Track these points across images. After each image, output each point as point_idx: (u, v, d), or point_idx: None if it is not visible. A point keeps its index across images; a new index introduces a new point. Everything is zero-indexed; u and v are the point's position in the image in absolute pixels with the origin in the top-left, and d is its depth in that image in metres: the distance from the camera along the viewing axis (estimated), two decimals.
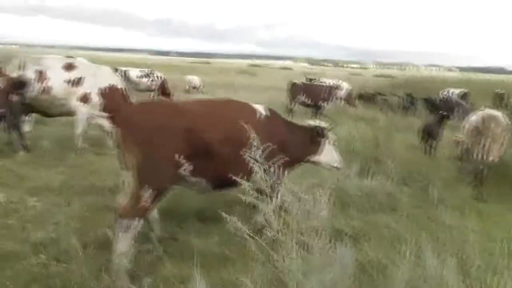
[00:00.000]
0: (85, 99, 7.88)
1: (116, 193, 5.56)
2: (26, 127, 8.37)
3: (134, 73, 16.83)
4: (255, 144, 3.39)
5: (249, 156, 3.37)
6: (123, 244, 3.58)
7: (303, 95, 15.12)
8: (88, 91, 7.88)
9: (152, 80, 16.96)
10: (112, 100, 8.02)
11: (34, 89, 7.55)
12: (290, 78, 25.63)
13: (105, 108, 8.00)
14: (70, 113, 8.04)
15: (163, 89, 17.00)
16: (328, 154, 5.00)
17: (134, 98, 8.95)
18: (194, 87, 22.57)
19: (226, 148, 4.02)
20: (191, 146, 3.84)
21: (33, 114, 8.57)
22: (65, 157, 7.28)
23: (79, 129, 7.96)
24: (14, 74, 7.31)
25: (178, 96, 18.00)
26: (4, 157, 6.70)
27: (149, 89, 16.89)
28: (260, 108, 4.59)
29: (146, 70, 17.57)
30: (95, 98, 7.94)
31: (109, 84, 8.10)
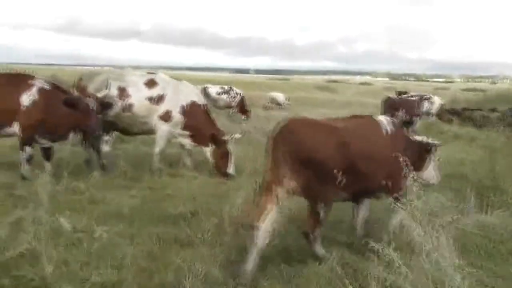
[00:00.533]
0: (166, 117, 7.53)
1: (188, 221, 5.03)
2: (106, 147, 8.18)
3: (213, 90, 16.66)
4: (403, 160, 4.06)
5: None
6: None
7: (401, 110, 13.72)
8: (169, 109, 7.54)
9: (231, 97, 16.64)
10: (194, 118, 7.63)
11: (116, 107, 7.34)
12: (370, 93, 24.02)
13: (186, 126, 7.62)
14: (151, 131, 7.74)
15: (242, 106, 16.65)
16: (430, 171, 4.89)
17: (213, 115, 8.49)
18: (278, 104, 22.09)
19: (367, 161, 4.14)
20: (345, 160, 3.99)
21: (114, 133, 8.38)
22: (139, 178, 6.89)
23: (157, 148, 7.60)
24: (100, 94, 7.08)
25: (258, 113, 17.51)
26: (79, 178, 6.41)
27: (228, 106, 16.62)
28: (385, 122, 4.57)
29: (225, 87, 17.33)
30: (177, 116, 7.58)
31: (191, 101, 7.70)
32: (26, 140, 6.52)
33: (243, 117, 16.29)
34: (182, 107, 7.59)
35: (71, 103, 6.39)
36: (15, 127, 6.46)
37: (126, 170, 7.06)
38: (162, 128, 7.56)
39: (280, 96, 22.66)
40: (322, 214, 4.01)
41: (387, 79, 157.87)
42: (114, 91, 7.34)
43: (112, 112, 7.28)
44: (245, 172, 7.42)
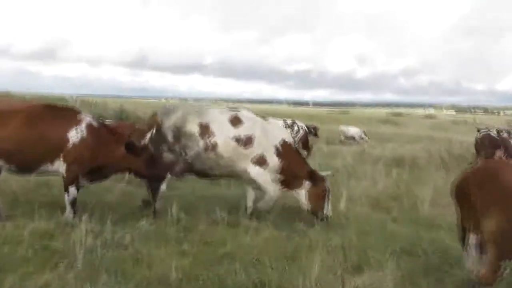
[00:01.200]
0: (261, 161, 6.54)
1: None
2: (163, 186, 7.31)
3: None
4: None
5: None
6: None
7: (501, 149, 11.55)
8: (262, 152, 6.53)
9: (295, 132, 15.28)
10: (289, 159, 6.62)
11: (198, 145, 6.40)
12: (438, 127, 21.91)
13: (282, 170, 6.60)
14: (235, 175, 6.76)
15: (305, 142, 15.15)
16: None
17: None
18: (350, 138, 20.13)
19: None
20: None
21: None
22: (194, 228, 5.90)
23: (269, 194, 6.63)
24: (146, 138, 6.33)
25: (321, 148, 16.26)
26: (129, 224, 5.58)
27: None
28: None
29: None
30: (273, 159, 6.57)
31: (282, 140, 6.72)
32: (71, 180, 5.82)
33: (305, 153, 14.98)
34: (276, 148, 6.61)
35: (132, 148, 5.82)
36: (57, 165, 5.80)
37: (180, 217, 6.10)
38: (260, 172, 6.54)
39: (352, 130, 20.84)
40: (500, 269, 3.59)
41: (452, 111, 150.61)
42: (195, 128, 6.41)
43: (191, 152, 6.39)
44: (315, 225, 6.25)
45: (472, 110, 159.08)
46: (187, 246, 5.20)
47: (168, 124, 6.32)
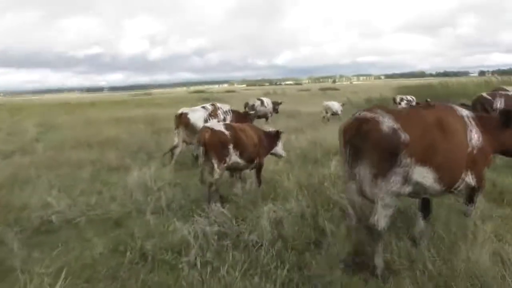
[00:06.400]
0: None
1: None
2: None
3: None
4: None
5: None
6: None
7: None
8: None
9: (223, 118, 10.99)
10: None
11: None
12: (248, 100, 20.20)
13: None
14: None
15: None
16: None
17: None
18: (335, 113, 17.90)
19: None
20: None
21: None
22: None
23: None
24: None
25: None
26: None
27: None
28: None
29: (208, 105, 10.94)
30: None
31: None
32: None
33: None
34: None
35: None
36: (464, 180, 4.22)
37: None
38: None
39: (336, 105, 18.34)
40: None
41: (244, 85, 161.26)
42: None
43: None
44: None
45: (260, 84, 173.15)
46: None
47: None
